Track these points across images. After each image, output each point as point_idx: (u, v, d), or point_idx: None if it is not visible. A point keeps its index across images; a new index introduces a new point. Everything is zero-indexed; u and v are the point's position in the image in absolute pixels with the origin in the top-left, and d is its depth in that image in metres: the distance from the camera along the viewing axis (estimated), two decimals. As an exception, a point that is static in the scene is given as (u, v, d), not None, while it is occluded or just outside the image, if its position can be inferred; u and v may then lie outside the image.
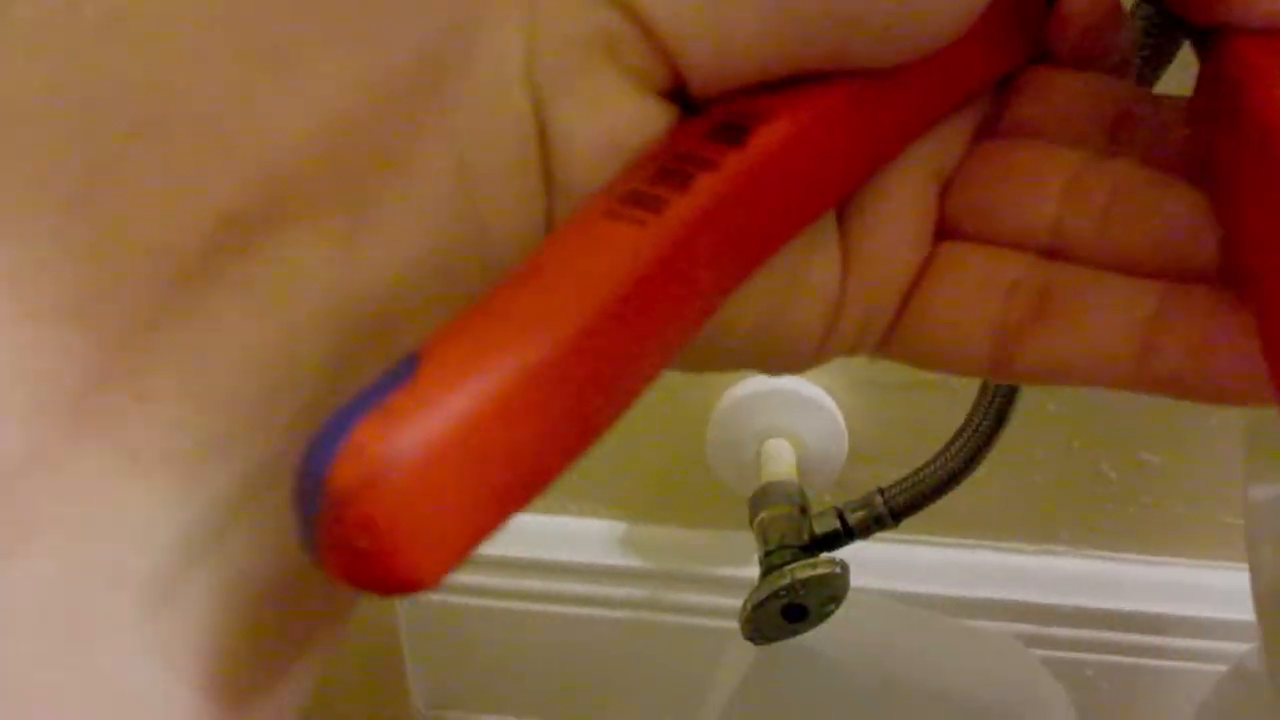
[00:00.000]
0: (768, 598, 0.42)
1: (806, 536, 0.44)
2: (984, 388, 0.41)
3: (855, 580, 0.43)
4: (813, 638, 0.44)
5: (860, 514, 0.43)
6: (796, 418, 0.57)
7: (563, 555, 0.64)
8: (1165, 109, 0.18)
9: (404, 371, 0.11)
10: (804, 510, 0.47)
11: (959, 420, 0.42)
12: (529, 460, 0.12)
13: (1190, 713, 0.62)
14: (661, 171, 0.14)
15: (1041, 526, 0.62)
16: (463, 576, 0.66)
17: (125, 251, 0.12)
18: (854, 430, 0.58)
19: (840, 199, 0.17)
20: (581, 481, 0.64)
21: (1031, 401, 0.57)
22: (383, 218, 0.13)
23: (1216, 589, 0.62)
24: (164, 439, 0.12)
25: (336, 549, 0.11)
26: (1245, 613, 0.50)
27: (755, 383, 0.57)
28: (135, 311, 0.12)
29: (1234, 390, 0.15)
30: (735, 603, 0.45)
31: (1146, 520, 0.61)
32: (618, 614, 0.66)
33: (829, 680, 0.56)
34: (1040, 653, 0.62)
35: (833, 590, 0.43)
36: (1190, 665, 0.64)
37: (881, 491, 0.43)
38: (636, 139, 0.14)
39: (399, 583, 0.12)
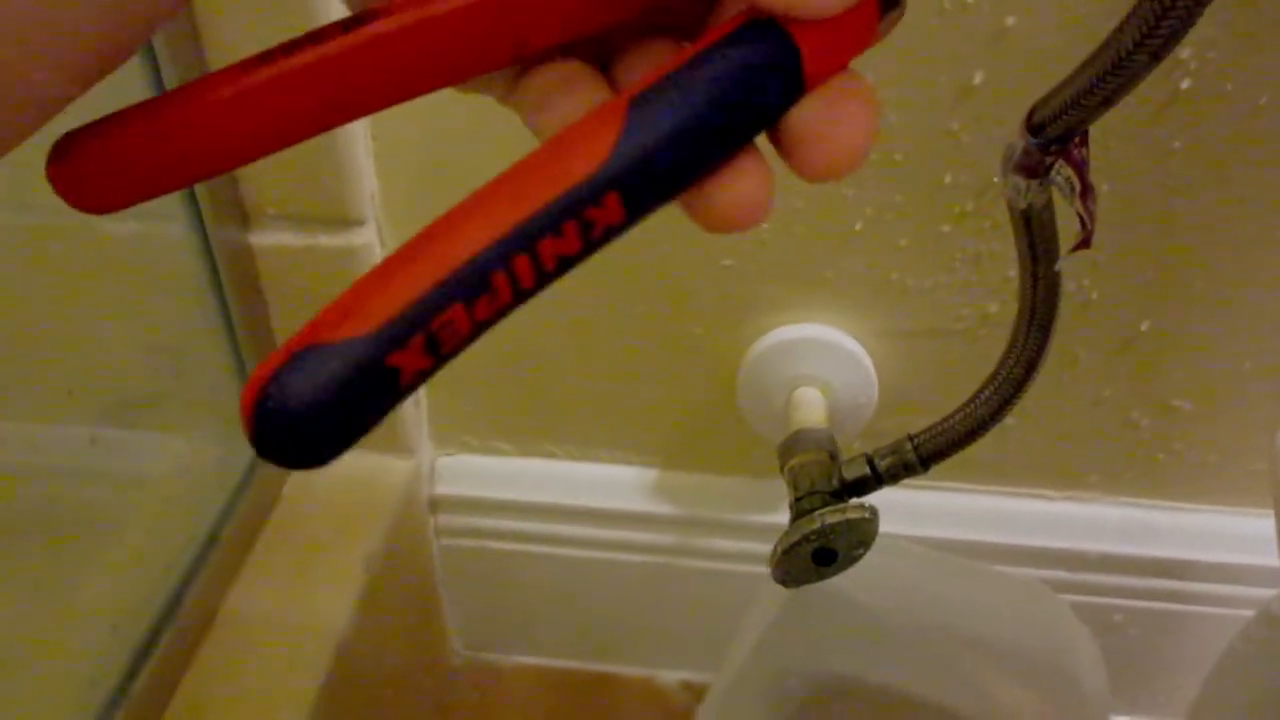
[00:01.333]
0: (798, 542, 0.43)
1: (836, 482, 0.44)
2: (1015, 336, 0.41)
3: (884, 526, 0.44)
4: (842, 582, 0.45)
5: (890, 460, 0.44)
6: (827, 365, 0.58)
7: (596, 501, 0.65)
8: None
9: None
10: (834, 457, 0.47)
11: (988, 368, 0.43)
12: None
13: (1216, 657, 0.62)
14: (289, 44, 0.20)
15: (1070, 473, 0.62)
16: (498, 522, 0.67)
17: None
18: (884, 378, 0.59)
19: (464, 77, 0.22)
20: (614, 428, 0.64)
21: (1063, 349, 0.57)
22: None
23: (1244, 535, 0.62)
24: None
25: None
26: (1272, 558, 0.51)
27: (786, 331, 0.58)
28: None
29: None
30: (764, 548, 0.46)
31: (1176, 467, 0.61)
32: (649, 559, 0.67)
33: (858, 624, 0.57)
34: (1068, 598, 0.63)
35: (862, 535, 0.43)
36: (1217, 610, 0.64)
37: (911, 438, 0.44)
38: None
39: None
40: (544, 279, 0.19)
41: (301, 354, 0.17)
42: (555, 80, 0.22)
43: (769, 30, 0.19)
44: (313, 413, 0.17)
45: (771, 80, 0.19)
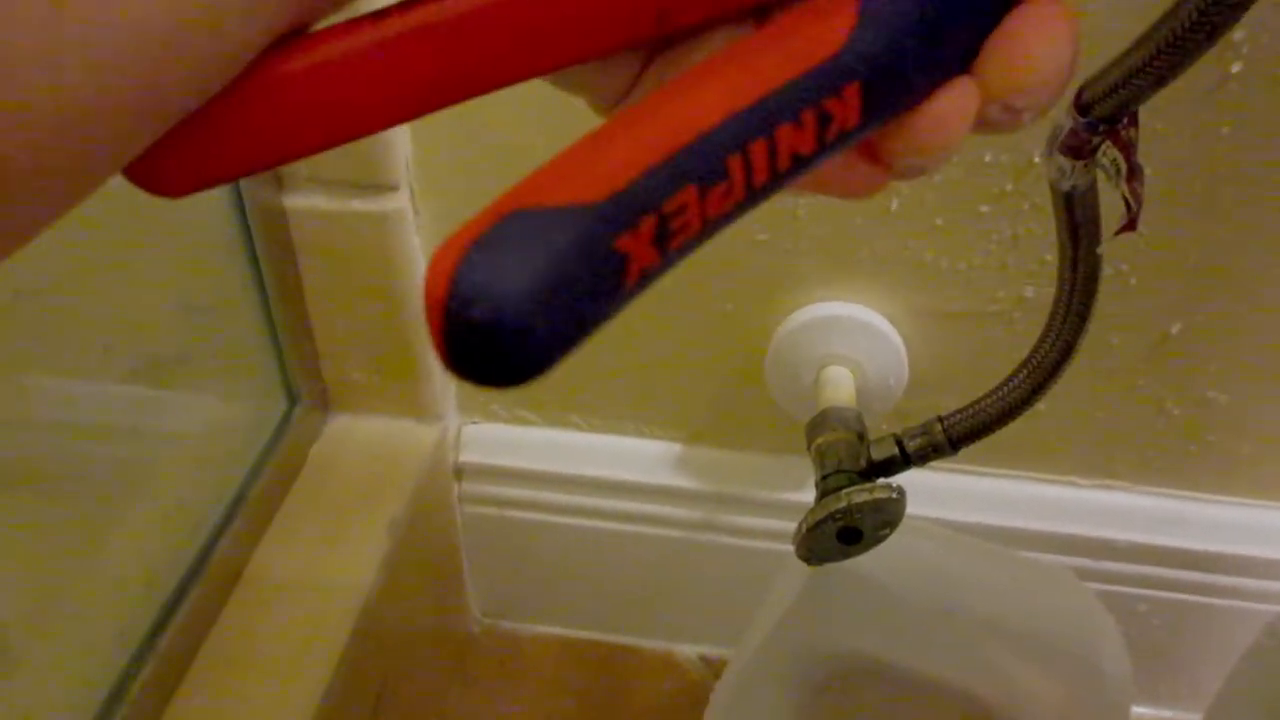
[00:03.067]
0: (823, 520, 0.43)
1: (864, 462, 0.44)
2: (1051, 320, 0.41)
3: (911, 509, 0.44)
4: (866, 561, 0.45)
5: (919, 441, 0.43)
6: (856, 344, 0.57)
7: (620, 474, 0.65)
8: None
9: None
10: (861, 436, 0.47)
11: (1019, 352, 0.42)
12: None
13: (1241, 651, 0.62)
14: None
15: (1100, 461, 0.62)
16: (521, 491, 0.67)
17: None
18: (915, 359, 0.58)
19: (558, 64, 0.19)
20: (641, 402, 0.64)
21: (1097, 336, 0.56)
22: None
23: (1274, 529, 0.61)
24: None
25: None
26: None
27: (816, 309, 0.57)
28: None
29: None
30: (788, 526, 0.45)
31: (1208, 459, 0.61)
32: (673, 533, 0.67)
33: (880, 604, 0.57)
34: (1094, 586, 0.62)
35: (888, 515, 0.43)
36: (1243, 604, 0.63)
37: (941, 419, 0.43)
38: None
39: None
40: (776, 179, 0.16)
41: (510, 219, 0.13)
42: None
43: None
44: (528, 298, 0.13)
45: None
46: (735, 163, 0.15)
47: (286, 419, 0.62)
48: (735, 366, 0.61)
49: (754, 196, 0.16)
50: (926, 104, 0.17)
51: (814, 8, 0.17)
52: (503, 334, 0.13)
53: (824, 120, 0.16)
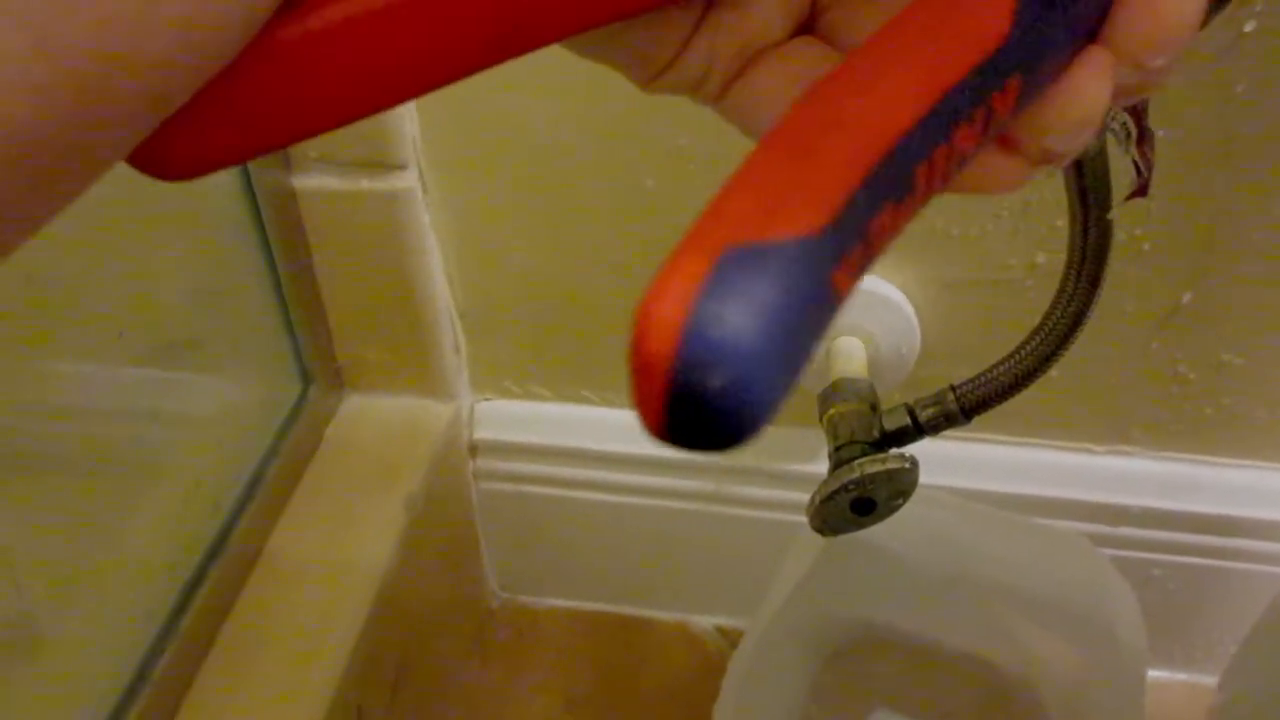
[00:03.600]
0: (836, 491, 0.43)
1: (876, 433, 0.44)
2: (1062, 287, 0.41)
3: (924, 478, 0.44)
4: (880, 532, 0.45)
5: (931, 411, 0.43)
6: (868, 315, 0.57)
7: (634, 448, 0.65)
8: None
9: None
10: (874, 407, 0.47)
11: (1033, 320, 0.42)
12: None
13: (1257, 614, 0.62)
14: None
15: (1114, 427, 0.62)
16: (536, 466, 0.67)
17: None
18: (926, 328, 0.58)
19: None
20: (652, 377, 0.64)
21: (1110, 301, 0.56)
22: None
23: (1292, 492, 0.61)
24: None
25: None
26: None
27: (827, 280, 0.57)
28: None
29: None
30: (802, 497, 0.46)
31: (1223, 422, 0.60)
32: (687, 505, 0.67)
33: (895, 574, 0.57)
34: (1108, 552, 0.62)
35: (901, 485, 0.43)
36: (1259, 568, 0.63)
37: (954, 388, 0.43)
38: None
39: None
40: (943, 185, 0.14)
41: (728, 259, 0.11)
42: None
43: None
44: (767, 358, 0.11)
45: None
46: (921, 172, 0.14)
47: (301, 399, 0.62)
48: (746, 339, 0.61)
49: (923, 202, 0.14)
50: (1065, 80, 0.16)
51: None
52: (741, 402, 0.11)
53: (989, 116, 0.14)
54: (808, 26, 0.21)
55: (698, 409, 0.11)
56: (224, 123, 0.16)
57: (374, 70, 0.16)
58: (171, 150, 0.16)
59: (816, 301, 0.12)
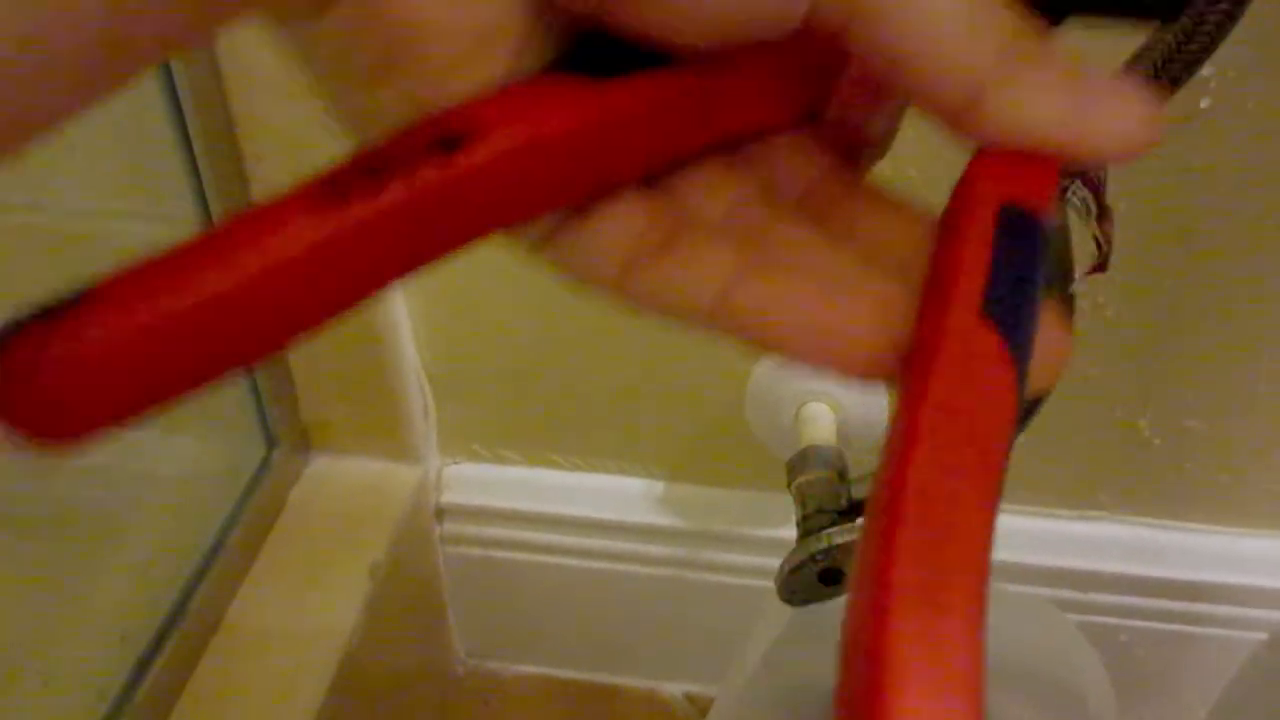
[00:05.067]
0: (804, 561, 0.43)
1: (844, 501, 0.44)
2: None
3: (893, 544, 0.44)
4: (849, 600, 0.45)
5: (899, 480, 0.43)
6: (836, 381, 0.57)
7: (602, 512, 0.65)
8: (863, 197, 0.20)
9: (73, 298, 0.14)
10: (843, 475, 0.47)
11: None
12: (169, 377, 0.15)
13: (1227, 680, 0.62)
14: (368, 166, 0.15)
15: (1082, 492, 0.62)
16: (503, 531, 0.67)
17: None
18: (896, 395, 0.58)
19: (558, 206, 0.18)
20: (621, 440, 0.64)
21: (1075, 368, 0.57)
22: None
23: (1256, 557, 0.61)
24: None
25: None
26: (1284, 583, 0.50)
27: (796, 345, 0.57)
28: None
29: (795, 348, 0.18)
30: (772, 563, 0.45)
31: (1188, 487, 0.61)
32: (656, 571, 0.67)
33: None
34: (1075, 618, 0.62)
35: (870, 554, 0.43)
36: (1227, 633, 0.63)
37: (921, 458, 0.43)
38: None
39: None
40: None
41: None
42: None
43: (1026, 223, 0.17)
44: None
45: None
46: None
47: (265, 462, 0.61)
48: (716, 403, 0.61)
49: None
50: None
51: (954, 346, 0.16)
52: None
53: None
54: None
55: None
56: (151, 350, 0.15)
57: (341, 283, 0.16)
58: (67, 392, 0.14)
59: None
